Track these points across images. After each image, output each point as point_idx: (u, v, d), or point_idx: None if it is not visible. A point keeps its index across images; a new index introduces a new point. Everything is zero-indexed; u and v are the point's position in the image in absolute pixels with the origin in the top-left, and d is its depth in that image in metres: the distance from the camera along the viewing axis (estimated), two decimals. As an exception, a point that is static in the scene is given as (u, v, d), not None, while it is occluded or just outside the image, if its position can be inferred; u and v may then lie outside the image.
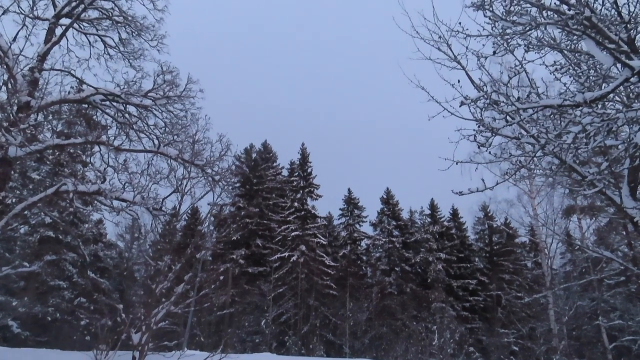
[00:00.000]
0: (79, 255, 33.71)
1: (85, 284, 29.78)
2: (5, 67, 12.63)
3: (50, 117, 15.15)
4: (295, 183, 47.94)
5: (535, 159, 7.93)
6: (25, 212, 13.79)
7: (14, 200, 15.92)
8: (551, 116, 7.57)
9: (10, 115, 12.11)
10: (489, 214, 49.54)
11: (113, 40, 16.33)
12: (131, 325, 11.73)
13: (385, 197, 51.18)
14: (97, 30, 16.27)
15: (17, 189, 28.53)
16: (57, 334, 31.91)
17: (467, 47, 7.85)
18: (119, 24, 16.07)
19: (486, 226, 50.76)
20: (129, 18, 15.91)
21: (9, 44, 12.89)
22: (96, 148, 14.77)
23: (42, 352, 16.16)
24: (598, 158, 11.89)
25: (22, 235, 32.30)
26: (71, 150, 16.02)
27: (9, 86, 12.54)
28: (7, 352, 14.51)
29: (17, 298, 29.78)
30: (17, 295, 30.66)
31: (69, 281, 34.31)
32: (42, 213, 23.26)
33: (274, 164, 51.20)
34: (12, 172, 14.71)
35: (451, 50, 8.31)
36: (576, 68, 7.85)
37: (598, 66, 7.58)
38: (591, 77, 7.68)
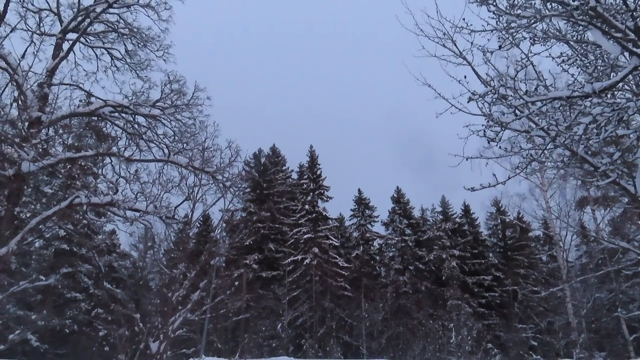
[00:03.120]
0: (94, 267, 34.00)
1: (102, 295, 29.98)
2: (15, 84, 12.79)
3: (61, 131, 15.30)
4: (305, 186, 48.00)
5: (546, 151, 7.88)
6: (40, 226, 13.91)
7: (28, 214, 16.12)
8: (560, 108, 7.52)
9: (22, 131, 12.26)
10: (502, 209, 49.33)
11: (119, 52, 16.47)
12: (149, 334, 11.82)
13: (396, 195, 50.98)
14: (103, 43, 16.43)
15: (30, 204, 28.81)
16: (75, 346, 32.19)
17: (472, 43, 7.80)
18: (125, 36, 16.21)
19: (499, 221, 50.48)
20: (135, 30, 16.04)
21: (18, 61, 13.06)
22: (107, 160, 14.88)
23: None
24: (610, 148, 11.79)
25: (37, 249, 32.58)
26: (82, 163, 16.14)
27: (20, 102, 12.68)
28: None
29: (35, 312, 30.07)
30: (34, 308, 30.98)
31: (85, 293, 34.64)
32: (56, 226, 23.48)
33: (283, 168, 51.37)
34: (25, 187, 14.88)
35: (456, 47, 8.28)
36: (583, 59, 7.80)
37: (605, 56, 7.53)
38: (599, 67, 7.63)
